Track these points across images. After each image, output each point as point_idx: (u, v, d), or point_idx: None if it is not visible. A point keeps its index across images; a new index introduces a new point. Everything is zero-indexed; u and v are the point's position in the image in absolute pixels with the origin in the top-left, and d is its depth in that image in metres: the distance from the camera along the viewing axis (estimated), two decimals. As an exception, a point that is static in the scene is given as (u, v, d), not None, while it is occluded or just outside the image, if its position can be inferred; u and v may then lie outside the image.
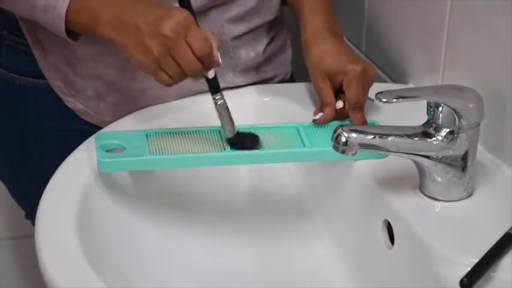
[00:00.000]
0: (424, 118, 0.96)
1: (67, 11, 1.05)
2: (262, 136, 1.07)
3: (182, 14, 0.99)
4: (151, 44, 0.98)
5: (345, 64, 1.11)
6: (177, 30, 0.98)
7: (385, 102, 0.92)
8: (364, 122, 1.09)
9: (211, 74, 1.02)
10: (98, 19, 1.03)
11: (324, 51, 1.13)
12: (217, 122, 1.07)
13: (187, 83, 1.04)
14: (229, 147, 1.04)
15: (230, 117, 1.04)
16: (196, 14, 1.16)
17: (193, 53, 0.98)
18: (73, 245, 0.94)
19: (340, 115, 1.11)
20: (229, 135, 1.04)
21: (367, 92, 1.11)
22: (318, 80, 1.12)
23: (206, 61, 0.99)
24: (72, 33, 1.08)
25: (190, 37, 0.98)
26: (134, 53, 1.00)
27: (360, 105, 1.09)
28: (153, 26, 0.98)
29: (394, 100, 0.92)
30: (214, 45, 1.00)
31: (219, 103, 1.03)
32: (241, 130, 1.05)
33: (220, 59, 1.01)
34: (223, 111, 1.04)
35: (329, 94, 1.11)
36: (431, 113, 0.94)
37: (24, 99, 1.24)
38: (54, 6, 1.05)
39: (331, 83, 1.12)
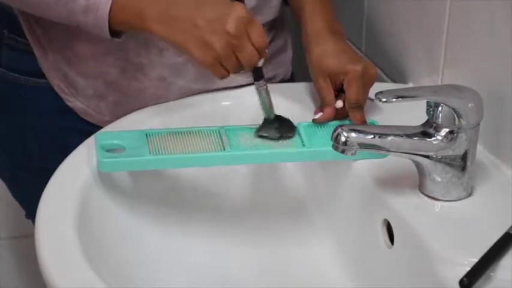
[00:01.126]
0: (424, 118, 0.96)
1: (110, 10, 1.04)
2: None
3: (242, 9, 1.01)
4: (214, 41, 1.00)
5: (346, 64, 1.11)
6: (240, 28, 1.00)
7: (385, 102, 0.92)
8: (364, 122, 1.09)
9: (261, 62, 1.05)
10: (144, 15, 1.02)
11: (324, 51, 1.13)
12: (217, 122, 1.07)
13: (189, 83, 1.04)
14: (268, 129, 1.08)
15: (270, 101, 1.08)
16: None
17: (253, 46, 1.01)
18: (73, 244, 0.94)
19: (340, 115, 1.11)
20: (271, 116, 1.08)
21: (368, 92, 1.12)
22: (318, 80, 1.12)
23: (263, 53, 1.03)
24: (116, 32, 1.07)
25: (253, 32, 1.01)
26: (192, 50, 1.01)
27: (360, 105, 1.10)
28: (216, 24, 0.99)
29: (394, 100, 0.92)
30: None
31: (261, 88, 1.07)
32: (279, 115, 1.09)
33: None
34: (266, 95, 1.08)
35: (329, 94, 1.11)
36: (431, 112, 0.95)
37: (24, 99, 1.24)
38: (97, 7, 1.04)
39: (331, 83, 1.12)
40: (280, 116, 1.09)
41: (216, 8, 1.00)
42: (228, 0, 1.02)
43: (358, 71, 1.09)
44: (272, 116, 1.08)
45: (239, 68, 1.03)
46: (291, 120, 1.09)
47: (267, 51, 1.04)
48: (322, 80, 1.12)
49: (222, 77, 1.03)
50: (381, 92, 0.93)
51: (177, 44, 1.02)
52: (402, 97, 0.93)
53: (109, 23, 1.05)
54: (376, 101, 0.93)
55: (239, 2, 1.03)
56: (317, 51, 1.13)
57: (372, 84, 1.12)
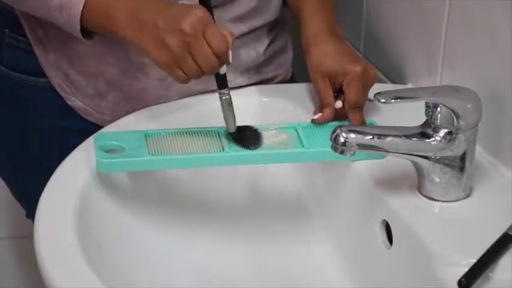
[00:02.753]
0: (423, 119, 0.96)
1: (83, 9, 1.05)
2: (263, 135, 1.08)
3: (201, 11, 1.00)
4: (170, 40, 1.00)
5: (345, 65, 1.11)
6: (196, 27, 0.99)
7: (384, 102, 0.92)
8: (363, 123, 1.09)
9: (223, 70, 1.04)
10: (114, 17, 1.04)
11: (324, 52, 1.13)
12: (216, 123, 1.07)
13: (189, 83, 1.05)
14: (232, 142, 1.06)
15: (233, 113, 1.06)
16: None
17: (211, 50, 1.00)
18: (72, 244, 0.95)
19: (339, 115, 1.11)
20: (231, 129, 1.06)
21: (367, 93, 1.12)
22: (318, 81, 1.13)
23: (223, 58, 1.01)
24: (88, 33, 1.09)
25: (209, 34, 1.00)
26: (151, 50, 1.01)
27: (359, 106, 1.10)
28: (172, 23, 1.00)
29: (393, 101, 0.93)
30: (230, 41, 1.02)
31: (224, 98, 1.05)
32: (241, 126, 1.07)
33: (231, 58, 1.03)
34: (228, 106, 1.06)
35: (328, 95, 1.12)
36: (430, 113, 0.95)
37: (25, 98, 1.24)
38: (70, 6, 1.06)
39: (331, 84, 1.12)
40: (241, 127, 1.07)
41: (177, 10, 1.01)
42: (194, 4, 1.03)
43: (358, 72, 1.10)
44: (232, 130, 1.06)
45: (198, 72, 1.02)
46: (252, 127, 1.08)
47: (230, 58, 1.02)
48: (321, 81, 1.12)
49: (181, 81, 1.03)
50: (379, 93, 0.93)
51: (140, 45, 1.02)
52: (401, 98, 0.94)
53: (81, 23, 1.06)
54: (375, 102, 0.93)
55: (205, 6, 1.03)
56: (316, 53, 1.14)
57: (371, 85, 1.12)
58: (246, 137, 1.07)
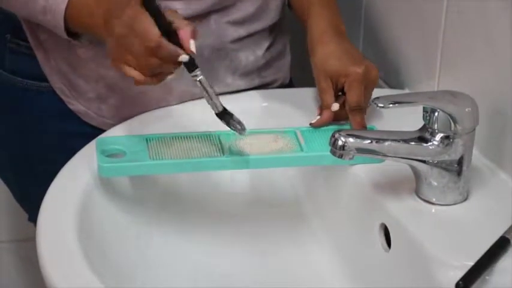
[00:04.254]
0: (420, 123, 0.97)
1: (66, 10, 1.07)
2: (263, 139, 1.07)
3: (128, 13, 1.00)
4: (109, 44, 1.02)
5: (347, 66, 1.11)
6: (122, 31, 1.00)
7: (382, 107, 0.93)
8: (364, 126, 1.09)
9: (183, 58, 0.99)
10: (94, 15, 1.05)
11: (327, 52, 1.13)
12: (217, 127, 1.07)
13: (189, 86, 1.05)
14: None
15: (211, 93, 1.02)
16: (197, 18, 1.17)
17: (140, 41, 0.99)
18: (74, 248, 0.95)
19: (340, 116, 1.12)
20: (215, 110, 1.03)
21: (370, 94, 1.12)
22: (320, 81, 1.13)
23: (159, 52, 0.99)
24: (74, 34, 1.10)
25: (136, 32, 0.99)
26: (109, 47, 1.03)
27: (360, 108, 1.10)
28: (106, 27, 1.02)
29: (391, 105, 0.93)
30: (159, 34, 0.99)
31: (198, 79, 1.01)
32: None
33: (193, 47, 0.99)
34: (204, 87, 1.02)
35: (329, 96, 1.12)
36: (427, 118, 0.95)
37: (26, 102, 1.25)
38: (54, 9, 1.07)
39: (333, 85, 1.12)
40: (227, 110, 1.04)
41: (114, 11, 1.02)
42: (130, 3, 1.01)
43: (359, 74, 1.10)
44: (219, 109, 1.02)
45: (140, 75, 1.01)
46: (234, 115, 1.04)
47: (193, 48, 0.99)
48: (323, 81, 1.12)
49: (138, 81, 1.02)
50: (377, 98, 0.94)
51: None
52: (399, 103, 0.94)
53: (66, 23, 1.08)
54: (374, 106, 0.94)
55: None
56: (321, 52, 1.13)
57: (374, 86, 1.12)
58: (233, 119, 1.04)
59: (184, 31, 0.99)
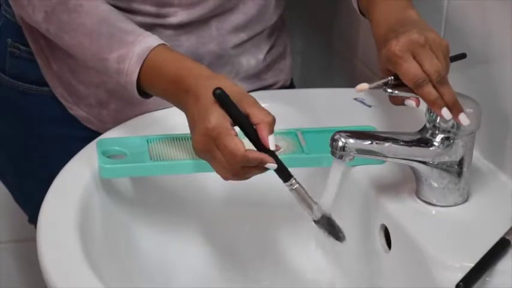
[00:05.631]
0: (421, 125, 0.97)
1: (138, 75, 1.03)
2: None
3: (211, 124, 0.93)
4: (196, 136, 0.96)
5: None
6: (205, 144, 0.94)
7: (390, 93, 0.93)
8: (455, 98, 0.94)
9: (270, 166, 0.95)
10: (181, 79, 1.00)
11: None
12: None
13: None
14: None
15: (308, 201, 0.97)
16: (197, 24, 1.17)
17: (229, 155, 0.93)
18: (74, 249, 0.95)
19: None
20: (314, 218, 0.98)
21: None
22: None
23: (246, 165, 0.94)
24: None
25: (221, 150, 0.94)
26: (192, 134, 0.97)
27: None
28: (191, 127, 0.96)
29: (397, 91, 0.93)
30: (243, 150, 0.93)
31: (294, 187, 0.97)
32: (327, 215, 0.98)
33: (272, 144, 0.94)
34: (299, 196, 0.98)
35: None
36: (431, 111, 0.95)
37: (27, 106, 1.25)
38: (126, 72, 1.04)
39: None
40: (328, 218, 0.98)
41: (196, 112, 0.96)
42: (213, 106, 0.94)
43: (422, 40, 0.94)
44: (315, 216, 0.97)
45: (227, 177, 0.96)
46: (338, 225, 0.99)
47: (270, 163, 0.94)
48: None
49: (225, 176, 0.97)
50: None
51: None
52: (407, 90, 0.94)
53: (141, 87, 1.05)
54: (384, 90, 0.93)
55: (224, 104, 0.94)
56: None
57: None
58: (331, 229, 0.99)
59: (261, 128, 0.94)
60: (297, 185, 0.97)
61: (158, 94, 1.05)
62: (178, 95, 0.99)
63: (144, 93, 1.06)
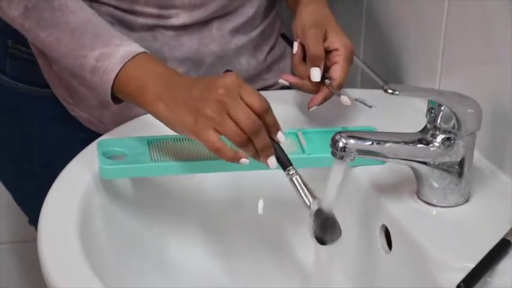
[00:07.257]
0: (421, 125, 0.97)
1: (115, 77, 1.04)
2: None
3: (233, 75, 0.97)
4: (205, 105, 0.95)
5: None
6: (230, 88, 0.95)
7: (391, 93, 0.93)
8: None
9: (280, 136, 0.97)
10: (144, 93, 1.01)
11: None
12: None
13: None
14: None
15: (305, 193, 0.97)
16: (199, 25, 1.18)
17: (251, 109, 0.94)
18: (75, 250, 0.95)
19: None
20: (310, 211, 0.98)
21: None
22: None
23: (268, 118, 0.96)
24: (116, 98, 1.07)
25: (246, 95, 0.95)
26: (188, 120, 0.96)
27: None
28: (206, 91, 0.96)
29: (397, 92, 0.93)
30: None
31: (293, 176, 0.97)
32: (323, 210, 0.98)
33: (281, 137, 0.97)
34: (298, 185, 0.98)
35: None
36: (432, 112, 0.95)
37: (28, 108, 1.25)
38: (104, 71, 1.04)
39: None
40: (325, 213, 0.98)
41: (209, 79, 0.98)
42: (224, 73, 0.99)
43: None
44: (311, 209, 0.97)
45: (238, 132, 0.94)
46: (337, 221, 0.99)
47: (280, 131, 0.97)
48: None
49: (212, 146, 0.95)
50: (388, 84, 0.94)
51: (176, 119, 0.98)
52: (409, 91, 0.94)
53: (113, 89, 1.05)
54: (384, 91, 0.93)
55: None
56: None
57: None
58: (324, 228, 0.98)
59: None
60: (297, 176, 0.97)
61: (135, 92, 1.03)
62: (172, 80, 1.01)
63: (113, 96, 1.06)
